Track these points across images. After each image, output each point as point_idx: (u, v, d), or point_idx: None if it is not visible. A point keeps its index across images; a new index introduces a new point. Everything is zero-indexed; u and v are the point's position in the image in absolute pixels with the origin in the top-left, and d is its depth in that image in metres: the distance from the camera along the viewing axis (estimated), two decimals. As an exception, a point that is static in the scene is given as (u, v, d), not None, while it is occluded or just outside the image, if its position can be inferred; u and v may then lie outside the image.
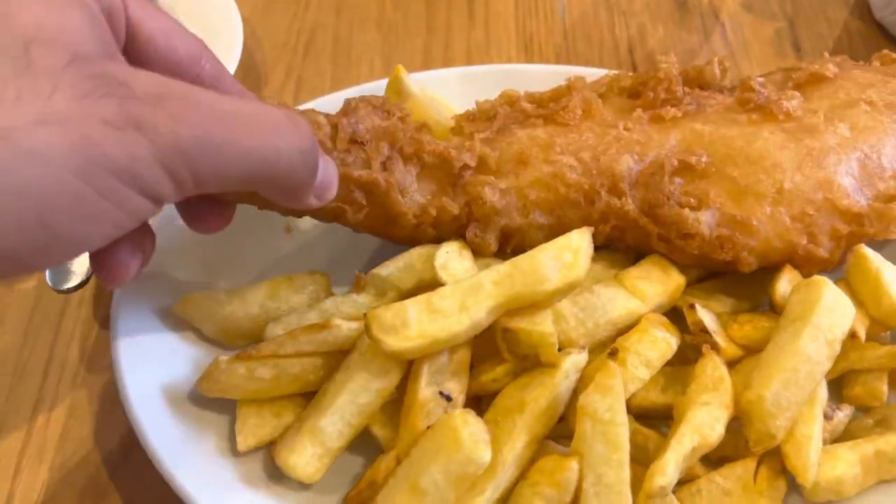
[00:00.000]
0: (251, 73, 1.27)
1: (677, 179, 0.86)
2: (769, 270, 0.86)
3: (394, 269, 0.86)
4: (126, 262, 0.64)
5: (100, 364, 0.93)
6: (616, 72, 1.00)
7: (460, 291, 0.72)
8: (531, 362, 0.76)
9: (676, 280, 0.85)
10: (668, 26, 1.41)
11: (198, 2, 1.30)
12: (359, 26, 1.39)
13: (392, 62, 1.09)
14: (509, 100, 0.95)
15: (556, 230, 0.86)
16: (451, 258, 0.82)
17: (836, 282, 0.85)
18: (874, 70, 0.99)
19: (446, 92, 1.09)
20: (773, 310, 0.84)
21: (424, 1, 1.44)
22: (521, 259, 0.75)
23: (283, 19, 1.38)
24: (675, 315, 0.85)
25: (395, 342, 0.70)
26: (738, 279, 0.88)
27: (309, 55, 1.32)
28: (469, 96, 1.00)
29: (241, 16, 1.29)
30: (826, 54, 1.02)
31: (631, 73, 0.99)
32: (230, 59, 1.20)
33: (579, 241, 0.76)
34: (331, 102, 1.00)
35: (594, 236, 0.85)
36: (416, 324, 0.71)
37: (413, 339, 0.70)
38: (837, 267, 0.86)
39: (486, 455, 0.67)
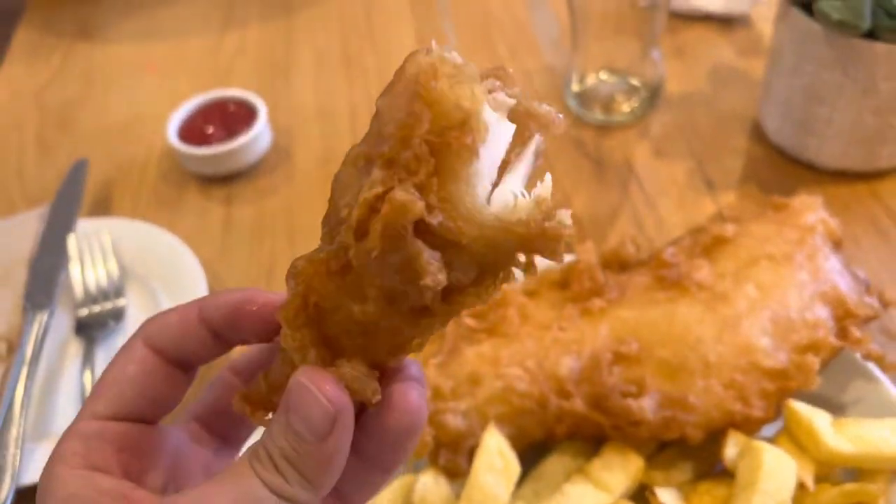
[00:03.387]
0: (220, 317, 1.37)
1: (616, 369, 0.95)
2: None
3: (375, 508, 0.92)
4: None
5: None
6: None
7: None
8: (518, 581, 0.82)
9: (635, 463, 0.92)
10: (590, 187, 1.54)
11: (159, 261, 1.41)
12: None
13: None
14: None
15: (518, 438, 0.94)
16: (428, 490, 0.89)
17: (779, 431, 0.94)
18: (769, 220, 1.10)
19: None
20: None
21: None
22: (470, 490, 0.83)
23: (241, 255, 1.49)
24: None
25: None
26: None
27: (272, 285, 1.43)
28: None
29: (202, 260, 1.40)
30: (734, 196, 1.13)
31: (557, 268, 1.10)
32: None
33: (495, 444, 0.87)
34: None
35: (553, 436, 0.94)
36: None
37: None
38: (776, 419, 0.94)
39: None
